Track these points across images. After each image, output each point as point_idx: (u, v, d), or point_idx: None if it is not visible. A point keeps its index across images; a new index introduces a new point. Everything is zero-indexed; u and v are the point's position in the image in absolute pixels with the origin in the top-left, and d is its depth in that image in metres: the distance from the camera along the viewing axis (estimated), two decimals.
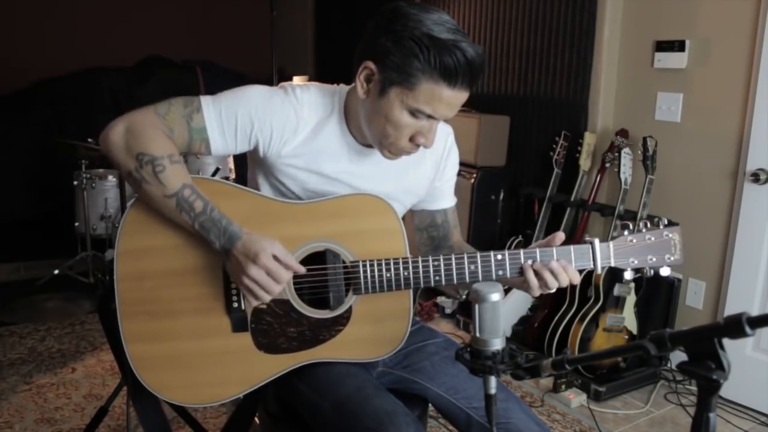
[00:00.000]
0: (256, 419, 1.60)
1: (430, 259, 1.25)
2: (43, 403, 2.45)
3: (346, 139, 1.32)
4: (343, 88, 1.35)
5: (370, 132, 1.27)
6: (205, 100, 1.24)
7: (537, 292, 1.26)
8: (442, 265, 1.25)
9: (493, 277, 1.25)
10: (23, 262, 3.98)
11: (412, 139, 1.23)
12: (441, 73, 1.14)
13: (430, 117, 1.20)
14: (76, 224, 3.66)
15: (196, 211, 1.18)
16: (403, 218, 1.35)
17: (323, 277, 1.27)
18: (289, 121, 1.27)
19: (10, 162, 4.57)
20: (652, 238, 1.28)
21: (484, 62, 1.16)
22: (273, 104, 1.26)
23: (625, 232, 1.28)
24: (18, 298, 3.49)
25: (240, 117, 1.24)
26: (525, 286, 1.27)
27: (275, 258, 1.16)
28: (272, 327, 1.27)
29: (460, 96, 1.19)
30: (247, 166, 1.42)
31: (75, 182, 3.60)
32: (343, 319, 1.29)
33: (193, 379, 1.27)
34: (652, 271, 1.30)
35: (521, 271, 1.25)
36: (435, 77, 1.14)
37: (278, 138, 1.27)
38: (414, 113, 1.19)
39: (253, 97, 1.26)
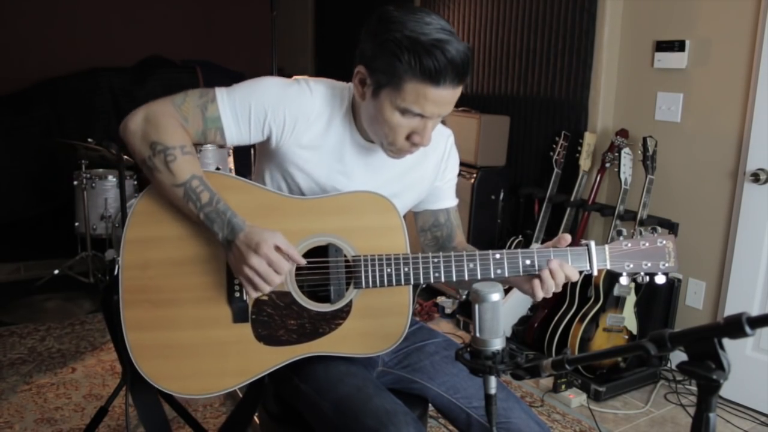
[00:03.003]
0: (256, 419, 1.60)
1: (430, 255, 1.27)
2: (43, 403, 2.45)
3: (353, 135, 1.34)
4: (352, 85, 1.36)
5: (372, 133, 1.30)
6: (220, 91, 1.27)
7: (539, 297, 1.28)
8: (441, 262, 1.27)
9: (492, 275, 1.27)
10: (23, 262, 3.98)
11: (408, 138, 1.25)
12: (423, 73, 1.15)
13: (421, 116, 1.21)
14: (76, 224, 3.66)
15: (203, 202, 1.21)
16: (405, 218, 1.36)
17: (325, 270, 1.28)
18: (302, 112, 1.29)
19: (10, 162, 4.57)
20: (647, 244, 1.31)
21: (467, 59, 1.17)
22: (287, 94, 1.29)
23: (621, 238, 1.31)
24: (18, 298, 3.48)
25: (254, 106, 1.26)
26: (526, 288, 1.29)
27: (277, 249, 1.18)
28: (273, 319, 1.28)
29: (448, 93, 1.19)
30: (251, 165, 1.43)
31: (75, 182, 3.60)
32: (343, 313, 1.30)
33: (190, 369, 1.27)
34: (647, 278, 1.33)
35: (520, 272, 1.27)
36: (418, 78, 1.16)
37: (291, 127, 1.29)
38: (404, 113, 1.21)
39: (267, 88, 1.29)
